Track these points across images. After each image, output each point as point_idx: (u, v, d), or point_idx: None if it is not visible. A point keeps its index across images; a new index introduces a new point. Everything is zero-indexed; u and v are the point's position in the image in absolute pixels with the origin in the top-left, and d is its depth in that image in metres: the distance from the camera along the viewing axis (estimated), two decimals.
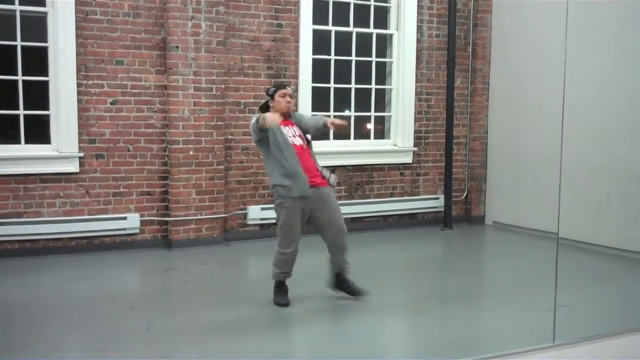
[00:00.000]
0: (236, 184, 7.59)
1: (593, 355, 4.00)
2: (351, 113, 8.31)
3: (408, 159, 8.64)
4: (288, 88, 5.31)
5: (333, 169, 7.83)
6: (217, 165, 7.35)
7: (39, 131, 6.85)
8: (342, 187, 8.18)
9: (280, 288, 5.24)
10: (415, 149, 8.65)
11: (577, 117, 6.90)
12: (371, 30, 8.36)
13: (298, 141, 5.15)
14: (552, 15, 7.51)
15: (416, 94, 8.60)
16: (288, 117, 5.27)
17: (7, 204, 6.59)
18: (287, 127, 5.15)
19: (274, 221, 7.47)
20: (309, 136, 5.31)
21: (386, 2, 8.46)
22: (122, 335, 4.53)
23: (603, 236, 7.11)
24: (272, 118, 4.85)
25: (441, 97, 8.73)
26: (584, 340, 4.07)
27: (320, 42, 7.98)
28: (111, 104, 6.98)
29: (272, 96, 5.22)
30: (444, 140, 8.71)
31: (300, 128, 5.24)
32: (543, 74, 7.74)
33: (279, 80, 5.62)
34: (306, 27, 7.81)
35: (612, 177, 7.06)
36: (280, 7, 7.67)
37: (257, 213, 7.60)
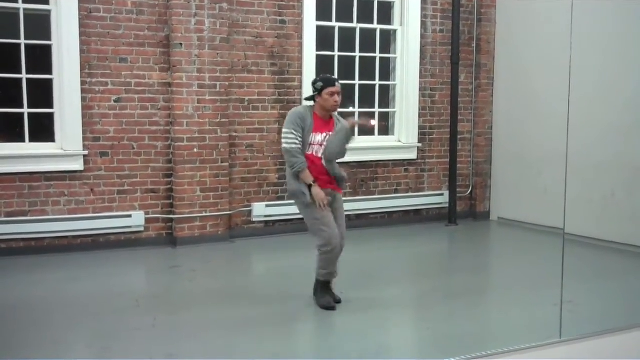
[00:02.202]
0: (241, 181, 7.59)
1: (600, 351, 3.98)
2: (355, 109, 8.29)
3: (412, 155, 8.62)
4: (338, 85, 4.88)
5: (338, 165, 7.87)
6: (222, 162, 7.34)
7: (43, 129, 6.86)
8: (347, 184, 8.15)
9: (326, 289, 5.08)
10: (420, 145, 8.63)
11: (582, 112, 6.82)
12: (375, 26, 8.34)
13: (318, 152, 4.92)
14: (557, 10, 7.47)
15: (420, 89, 8.58)
16: (331, 117, 4.97)
17: (12, 202, 6.60)
18: (321, 134, 4.90)
19: (278, 218, 7.55)
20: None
21: None
22: (127, 333, 4.53)
23: (609, 231, 7.09)
24: (318, 196, 4.76)
25: (445, 92, 8.70)
26: (590, 335, 4.06)
27: (323, 38, 7.97)
28: (115, 101, 6.97)
29: (319, 92, 4.84)
30: (449, 136, 8.68)
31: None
32: (548, 69, 7.71)
33: (328, 75, 4.98)
34: (310, 24, 7.79)
35: (617, 172, 7.04)
36: (283, 3, 7.66)
37: (262, 210, 7.60)
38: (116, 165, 7.01)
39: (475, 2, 8.80)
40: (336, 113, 5.08)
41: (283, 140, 4.83)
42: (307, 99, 5.09)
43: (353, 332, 4.62)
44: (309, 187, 4.81)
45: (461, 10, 8.57)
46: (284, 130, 4.86)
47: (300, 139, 4.79)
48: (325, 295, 5.06)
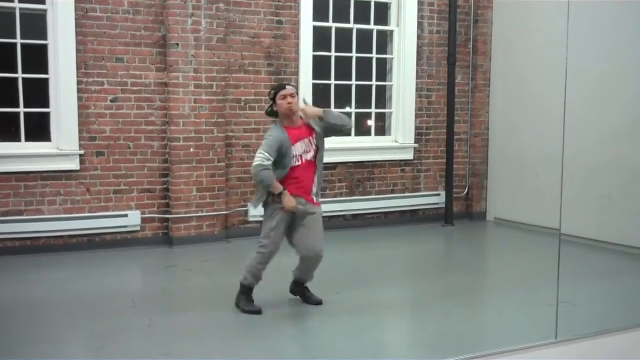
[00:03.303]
0: (237, 181, 7.58)
1: (595, 352, 3.99)
2: (352, 110, 8.30)
3: (409, 156, 8.62)
4: (288, 87, 4.91)
5: (334, 165, 7.91)
6: (218, 162, 7.34)
7: (39, 129, 6.85)
8: (343, 184, 8.17)
9: (249, 293, 5.05)
10: (416, 145, 8.64)
11: (579, 113, 6.88)
12: (371, 26, 8.34)
13: (307, 156, 4.91)
14: (553, 12, 7.49)
15: (417, 90, 8.58)
16: (300, 121, 4.93)
17: (7, 201, 6.58)
18: (302, 142, 4.88)
19: None
20: (319, 142, 4.98)
21: None
22: (123, 333, 4.52)
23: (605, 232, 7.10)
24: (289, 204, 4.77)
25: (442, 93, 8.71)
26: (586, 336, 4.07)
27: (320, 38, 7.96)
28: (111, 101, 6.96)
29: (273, 100, 4.89)
30: (445, 137, 8.69)
31: (316, 131, 4.94)
32: (544, 70, 7.72)
33: (281, 81, 5.09)
34: (306, 24, 7.79)
35: (614, 173, 7.05)
36: (280, 3, 7.65)
37: (258, 210, 7.52)
38: (112, 165, 7.00)
39: (471, 3, 8.80)
40: (301, 115, 4.99)
41: (255, 159, 4.81)
42: (268, 113, 5.07)
43: (349, 332, 4.61)
44: (280, 195, 4.79)
45: (458, 11, 8.57)
46: (258, 150, 4.83)
47: (269, 160, 4.76)
48: (249, 300, 5.01)
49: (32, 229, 6.62)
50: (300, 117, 4.97)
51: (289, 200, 4.80)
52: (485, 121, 8.97)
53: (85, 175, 6.90)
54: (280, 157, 4.80)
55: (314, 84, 7.86)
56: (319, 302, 5.12)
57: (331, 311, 5.01)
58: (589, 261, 6.75)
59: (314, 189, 4.99)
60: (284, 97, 4.84)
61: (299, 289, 5.22)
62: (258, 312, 4.93)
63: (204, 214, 7.29)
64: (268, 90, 5.20)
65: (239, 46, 7.49)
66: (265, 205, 4.98)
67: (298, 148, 4.87)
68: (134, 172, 7.10)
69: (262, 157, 4.77)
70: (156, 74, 7.12)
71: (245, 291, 5.03)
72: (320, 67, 7.95)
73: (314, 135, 4.95)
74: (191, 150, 7.18)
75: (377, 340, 4.55)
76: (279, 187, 4.80)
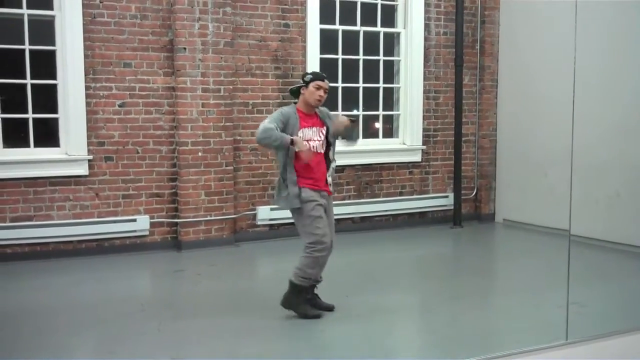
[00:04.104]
0: (245, 185, 7.59)
1: (606, 353, 3.97)
2: (359, 112, 8.29)
3: (417, 158, 8.61)
4: (327, 81, 4.86)
5: (342, 168, 7.90)
6: (226, 166, 7.35)
7: (48, 134, 6.88)
8: (352, 187, 8.16)
9: (303, 295, 4.89)
10: (424, 147, 8.62)
11: (586, 113, 6.83)
12: (378, 28, 8.34)
13: (317, 148, 4.86)
14: (560, 11, 7.47)
15: (424, 92, 8.57)
16: (314, 112, 4.93)
17: (17, 207, 6.61)
18: (311, 129, 4.85)
19: (283, 221, 7.54)
20: (331, 139, 4.97)
21: (393, 0, 8.43)
22: (132, 337, 4.53)
23: (614, 232, 7.06)
24: (305, 153, 4.66)
25: (449, 95, 8.69)
26: (596, 337, 4.04)
27: (327, 41, 7.97)
28: (119, 106, 6.99)
29: (307, 83, 4.82)
30: (453, 138, 8.67)
31: (328, 128, 4.90)
32: (551, 71, 7.70)
33: (318, 72, 5.13)
34: (313, 27, 7.80)
35: (622, 173, 7.01)
36: (287, 7, 7.66)
37: (267, 213, 7.59)
38: (121, 170, 7.02)
39: (478, 5, 8.79)
40: (320, 108, 5.01)
41: (260, 127, 4.69)
42: (292, 90, 5.04)
43: (357, 336, 4.60)
44: (292, 142, 4.66)
45: (464, 12, 8.56)
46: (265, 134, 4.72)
47: (274, 124, 4.69)
48: (304, 302, 4.88)
49: (41, 235, 6.65)
50: (315, 112, 4.95)
51: (299, 141, 4.67)
52: (493, 122, 8.95)
53: (94, 180, 6.92)
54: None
55: None
56: (330, 309, 5.02)
57: (340, 314, 4.99)
58: (599, 262, 6.72)
59: (329, 179, 4.94)
60: (319, 87, 4.81)
61: (310, 295, 5.11)
62: (317, 316, 4.82)
63: (213, 218, 7.30)
64: (304, 73, 5.21)
65: (246, 50, 7.51)
66: (295, 210, 4.81)
67: (306, 133, 4.82)
68: (142, 177, 7.12)
69: (264, 123, 4.68)
70: (164, 79, 7.14)
71: (299, 290, 4.83)
72: (327, 70, 7.90)
73: (324, 128, 4.92)
74: (199, 154, 7.19)
75: (386, 343, 4.54)
76: (288, 137, 4.65)
